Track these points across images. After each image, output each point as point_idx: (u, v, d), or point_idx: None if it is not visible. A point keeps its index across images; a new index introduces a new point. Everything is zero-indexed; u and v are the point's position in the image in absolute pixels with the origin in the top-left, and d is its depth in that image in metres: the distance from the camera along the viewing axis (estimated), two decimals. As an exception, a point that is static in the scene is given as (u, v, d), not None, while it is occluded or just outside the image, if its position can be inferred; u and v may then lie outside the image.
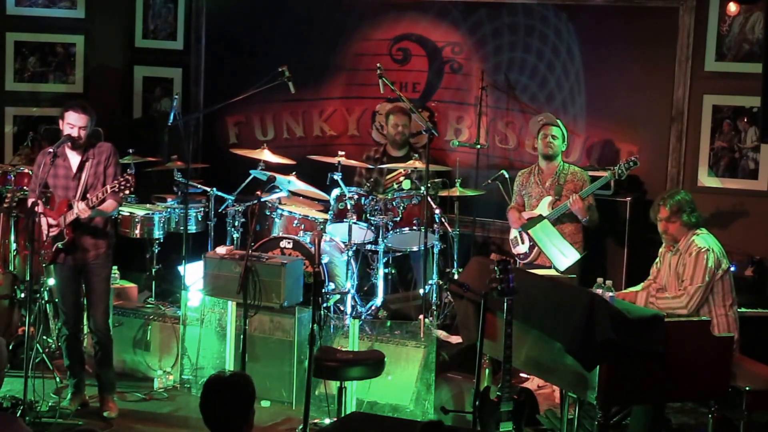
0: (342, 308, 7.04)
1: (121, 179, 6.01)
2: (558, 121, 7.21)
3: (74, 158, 6.24)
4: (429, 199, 7.18)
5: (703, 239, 5.84)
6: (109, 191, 6.02)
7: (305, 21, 8.82)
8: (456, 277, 7.14)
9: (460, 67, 8.43)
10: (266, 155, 7.53)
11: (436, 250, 7.32)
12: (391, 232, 7.25)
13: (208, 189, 7.71)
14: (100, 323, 6.40)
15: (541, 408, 6.31)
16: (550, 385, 6.70)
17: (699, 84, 7.64)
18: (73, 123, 6.15)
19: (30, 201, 6.22)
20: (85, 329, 6.84)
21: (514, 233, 7.32)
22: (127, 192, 6.06)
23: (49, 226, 6.17)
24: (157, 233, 7.67)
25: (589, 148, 8.02)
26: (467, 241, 8.00)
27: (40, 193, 6.21)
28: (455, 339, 6.77)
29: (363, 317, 6.98)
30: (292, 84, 7.37)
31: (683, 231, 5.90)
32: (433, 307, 7.23)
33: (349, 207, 7.10)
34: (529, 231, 7.05)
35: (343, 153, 7.25)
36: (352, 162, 7.56)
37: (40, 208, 6.14)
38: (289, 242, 7.06)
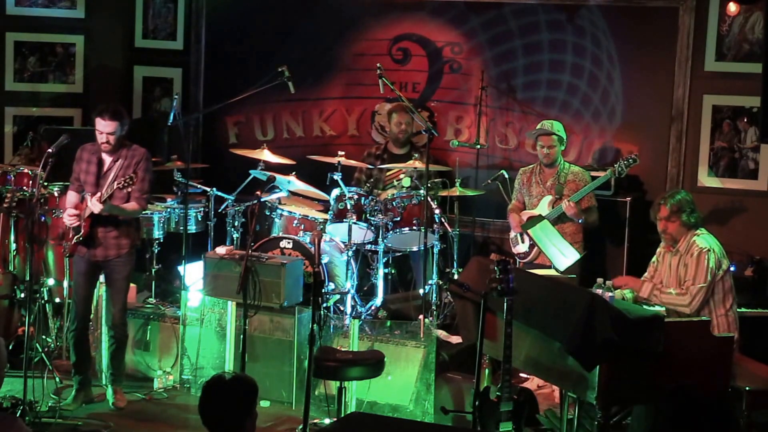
0: (342, 308, 7.04)
1: (126, 176, 6.15)
2: (553, 124, 7.19)
3: (107, 157, 6.40)
4: (429, 199, 7.18)
5: (704, 240, 5.84)
6: (115, 187, 6.16)
7: (305, 21, 8.82)
8: (456, 277, 7.13)
9: (460, 67, 8.43)
10: (266, 155, 7.52)
11: (436, 250, 7.32)
12: (391, 232, 7.25)
13: (208, 189, 7.71)
14: (117, 319, 6.56)
15: (541, 408, 6.31)
16: (550, 385, 6.71)
17: (699, 84, 7.64)
18: (101, 129, 6.32)
19: (69, 192, 6.51)
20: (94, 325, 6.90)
21: (513, 232, 7.32)
22: (129, 188, 6.20)
23: (71, 217, 6.34)
24: (157, 233, 7.67)
25: (588, 148, 8.03)
26: (467, 241, 8.01)
27: (78, 188, 6.46)
28: (455, 339, 6.77)
29: (363, 317, 6.97)
30: (292, 84, 7.37)
31: (682, 231, 5.91)
32: (433, 307, 7.22)
33: (349, 207, 7.10)
34: (529, 231, 7.05)
35: (343, 153, 7.25)
36: (352, 162, 7.56)
37: (68, 202, 6.38)
38: (289, 242, 7.06)
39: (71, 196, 6.50)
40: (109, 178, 6.32)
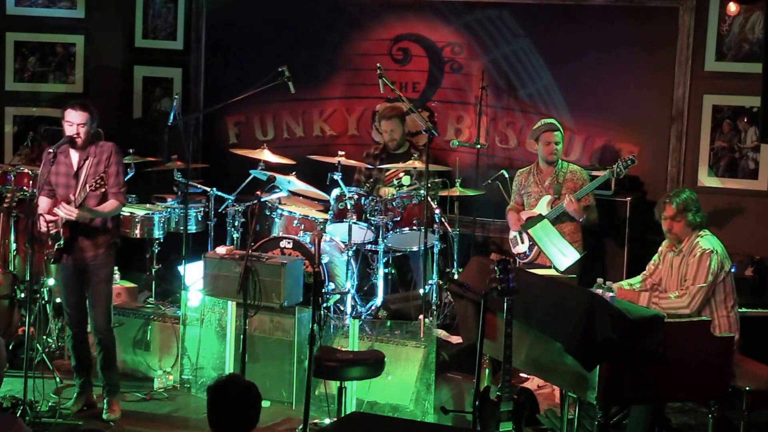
0: (342, 308, 7.04)
1: (97, 177, 5.96)
2: (555, 122, 7.22)
3: (75, 156, 6.22)
4: (429, 199, 7.18)
5: (708, 241, 5.85)
6: (88, 191, 5.99)
7: (305, 21, 8.82)
8: (456, 277, 7.13)
9: (460, 67, 8.43)
10: (266, 155, 7.53)
11: (436, 250, 7.32)
12: (391, 232, 7.25)
13: (208, 189, 7.71)
14: (101, 325, 6.36)
15: (541, 408, 6.31)
16: (550, 385, 6.71)
17: (699, 84, 7.64)
18: (71, 120, 6.13)
19: (38, 200, 6.22)
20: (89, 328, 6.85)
21: (513, 233, 7.32)
22: (102, 190, 6.02)
23: (48, 224, 6.15)
24: (157, 233, 7.67)
25: (589, 148, 8.03)
26: (467, 241, 8.01)
27: (49, 192, 6.23)
28: (455, 339, 6.78)
29: (363, 317, 6.98)
30: (292, 84, 7.37)
31: (687, 230, 5.91)
32: (433, 307, 7.22)
33: (349, 207, 7.10)
34: (529, 231, 7.06)
35: (343, 153, 7.24)
36: (352, 162, 7.56)
37: (41, 208, 6.15)
38: (289, 242, 7.06)
39: (44, 202, 6.21)
40: (81, 177, 6.13)
